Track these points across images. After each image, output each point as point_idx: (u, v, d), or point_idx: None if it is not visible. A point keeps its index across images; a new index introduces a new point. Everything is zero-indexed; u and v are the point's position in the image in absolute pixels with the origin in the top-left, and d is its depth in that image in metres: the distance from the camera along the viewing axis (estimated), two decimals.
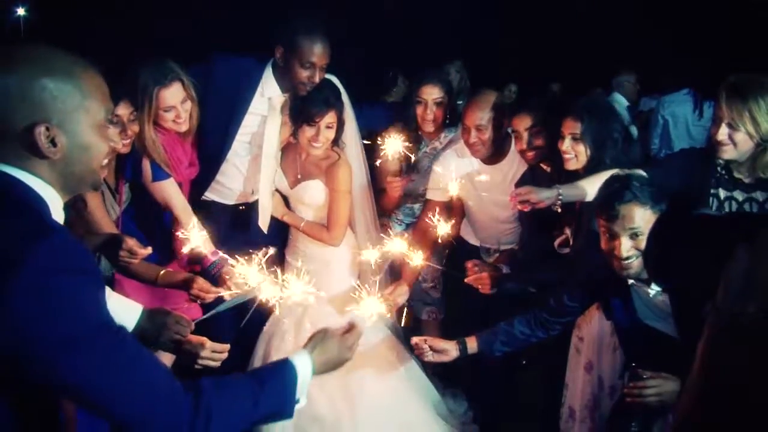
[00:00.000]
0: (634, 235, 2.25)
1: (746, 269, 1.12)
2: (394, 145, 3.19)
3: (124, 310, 2.02)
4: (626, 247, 2.26)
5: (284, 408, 1.55)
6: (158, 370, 1.34)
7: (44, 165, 1.32)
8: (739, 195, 2.58)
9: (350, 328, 1.83)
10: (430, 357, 2.71)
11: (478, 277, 3.06)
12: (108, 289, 2.01)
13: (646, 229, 2.23)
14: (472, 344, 2.69)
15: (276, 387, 1.53)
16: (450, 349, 2.69)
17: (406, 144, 3.28)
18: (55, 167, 1.33)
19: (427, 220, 3.06)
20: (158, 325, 2.05)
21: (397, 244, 2.79)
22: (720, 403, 1.11)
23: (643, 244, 2.24)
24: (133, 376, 1.29)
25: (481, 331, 2.73)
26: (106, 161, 1.44)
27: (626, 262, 2.27)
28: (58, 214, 1.36)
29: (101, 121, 1.38)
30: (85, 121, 1.34)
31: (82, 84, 1.33)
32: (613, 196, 2.29)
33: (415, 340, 2.73)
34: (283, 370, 1.59)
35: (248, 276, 2.41)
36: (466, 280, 3.08)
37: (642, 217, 2.23)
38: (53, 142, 1.30)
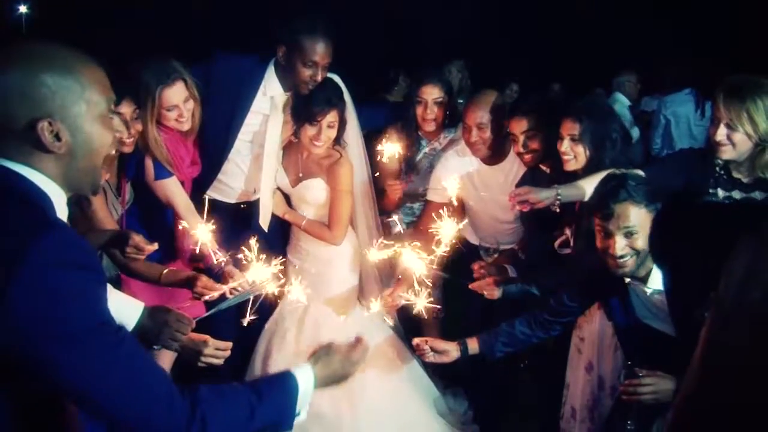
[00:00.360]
0: (628, 234, 2.25)
1: (750, 259, 1.13)
2: (392, 147, 3.19)
3: (126, 307, 2.02)
4: (620, 245, 2.27)
5: (283, 420, 1.52)
6: (156, 374, 1.34)
7: (49, 160, 1.32)
8: (737, 195, 2.59)
9: (356, 343, 1.80)
10: (431, 358, 2.71)
11: (482, 284, 3.02)
12: (109, 287, 2.02)
13: (642, 228, 2.25)
14: (473, 345, 2.69)
15: (275, 398, 1.51)
16: (451, 350, 2.68)
17: (406, 145, 3.28)
18: (61, 162, 1.33)
19: (432, 223, 3.04)
20: (159, 323, 2.05)
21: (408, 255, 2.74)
22: (720, 386, 1.12)
23: (637, 243, 2.25)
24: (131, 377, 1.28)
25: (481, 330, 2.73)
26: (113, 151, 1.44)
27: (621, 260, 2.28)
28: (61, 210, 1.35)
29: (104, 112, 1.37)
30: (87, 114, 1.33)
31: (82, 77, 1.32)
32: (608, 194, 2.30)
33: (416, 341, 2.73)
34: (284, 381, 1.57)
35: (253, 272, 2.41)
36: (470, 286, 3.03)
37: (637, 216, 2.24)
38: (57, 137, 1.30)
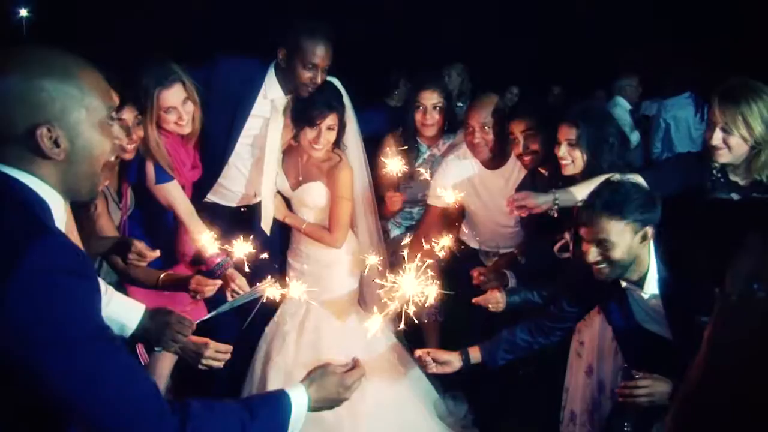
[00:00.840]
0: (600, 244, 2.26)
1: (756, 259, 1.14)
2: (392, 156, 3.20)
3: (127, 309, 2.02)
4: (593, 253, 2.29)
5: None
6: (148, 387, 1.32)
7: (47, 166, 1.31)
8: (734, 198, 2.60)
9: (353, 366, 1.77)
10: (433, 369, 2.70)
11: (487, 298, 2.98)
12: (111, 289, 2.03)
13: (618, 240, 2.24)
14: (474, 354, 2.68)
15: (267, 418, 1.50)
16: (453, 361, 2.68)
17: (405, 151, 3.28)
18: (59, 168, 1.33)
19: (432, 228, 3.02)
20: (160, 325, 2.05)
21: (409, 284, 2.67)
22: (723, 384, 1.12)
23: (612, 254, 2.25)
24: (121, 387, 1.26)
25: (481, 334, 2.73)
26: (113, 158, 1.44)
27: (596, 266, 2.31)
28: (59, 217, 1.35)
29: (103, 118, 1.37)
30: (86, 120, 1.33)
31: (81, 83, 1.32)
32: (585, 203, 2.32)
33: (418, 353, 2.72)
34: (278, 401, 1.56)
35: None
36: (474, 301, 3.00)
37: (612, 228, 2.24)
38: (56, 143, 1.29)
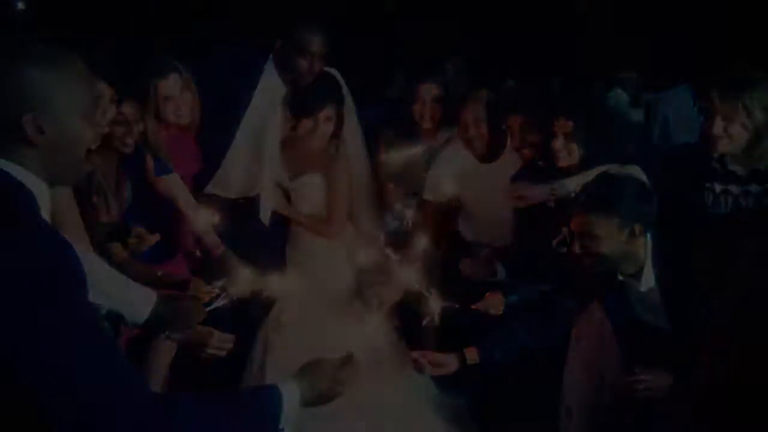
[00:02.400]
0: (585, 236, 2.27)
1: (752, 266, 1.14)
2: (392, 156, 3.20)
3: (140, 295, 2.01)
4: (577, 245, 2.30)
5: None
6: (134, 377, 1.31)
7: (31, 154, 1.31)
8: (734, 188, 2.61)
9: (346, 360, 1.75)
10: (429, 371, 2.69)
11: (487, 303, 2.95)
12: (123, 277, 2.03)
13: (603, 234, 2.24)
14: (471, 355, 2.67)
15: (257, 413, 1.48)
16: (449, 362, 2.66)
17: (403, 143, 3.29)
18: (43, 155, 1.32)
19: (429, 222, 3.01)
20: (174, 309, 2.05)
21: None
22: (725, 391, 1.13)
23: (597, 247, 2.25)
24: (107, 378, 1.24)
25: (482, 333, 2.72)
26: (94, 146, 1.43)
27: (583, 258, 2.32)
28: (44, 205, 1.34)
29: (86, 106, 1.37)
30: (70, 107, 1.33)
31: (64, 70, 1.32)
32: (575, 195, 2.35)
33: (413, 355, 2.72)
34: (268, 397, 1.53)
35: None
36: (473, 307, 2.94)
37: (596, 223, 2.24)
38: (41, 130, 1.29)
